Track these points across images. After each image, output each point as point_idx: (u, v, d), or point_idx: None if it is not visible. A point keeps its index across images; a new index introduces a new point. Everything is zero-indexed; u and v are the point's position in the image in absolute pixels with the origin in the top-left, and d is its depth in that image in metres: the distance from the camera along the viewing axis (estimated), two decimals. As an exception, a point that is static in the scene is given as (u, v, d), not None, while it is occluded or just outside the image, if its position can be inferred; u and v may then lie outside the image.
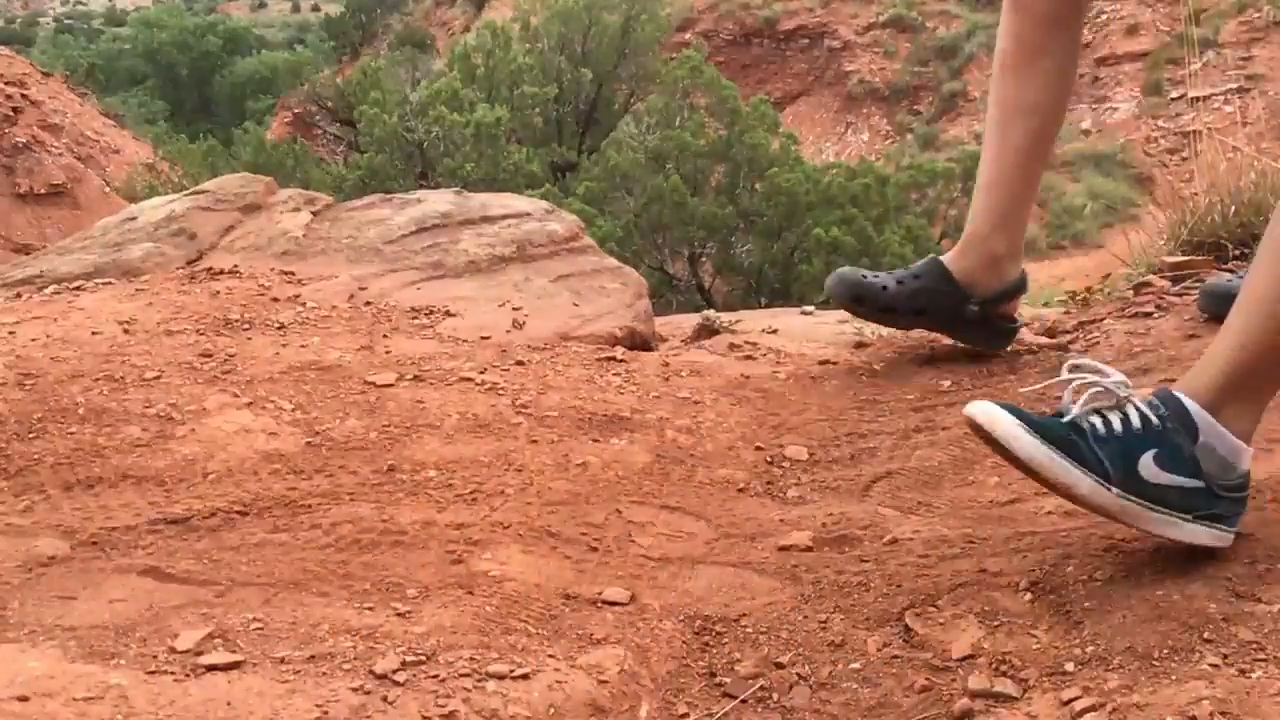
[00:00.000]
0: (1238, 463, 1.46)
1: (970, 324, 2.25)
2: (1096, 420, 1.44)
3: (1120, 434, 1.43)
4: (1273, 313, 1.43)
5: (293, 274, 2.69)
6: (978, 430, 1.42)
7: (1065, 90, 2.19)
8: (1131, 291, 2.65)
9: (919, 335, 2.45)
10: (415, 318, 2.43)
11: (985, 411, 1.42)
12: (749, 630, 1.46)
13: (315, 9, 64.61)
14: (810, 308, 3.20)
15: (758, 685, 1.37)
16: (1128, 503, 1.41)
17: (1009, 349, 2.32)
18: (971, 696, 1.28)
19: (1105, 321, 2.47)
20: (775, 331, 2.76)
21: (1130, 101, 24.99)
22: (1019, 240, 2.25)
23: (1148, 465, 1.42)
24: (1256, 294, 1.46)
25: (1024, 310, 2.82)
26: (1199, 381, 1.47)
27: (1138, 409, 1.45)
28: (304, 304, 2.48)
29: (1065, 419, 1.44)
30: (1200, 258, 2.76)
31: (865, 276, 2.26)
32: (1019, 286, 2.27)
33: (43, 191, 16.44)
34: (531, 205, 3.08)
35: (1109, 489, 1.40)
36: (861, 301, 2.25)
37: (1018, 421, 1.40)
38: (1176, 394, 1.46)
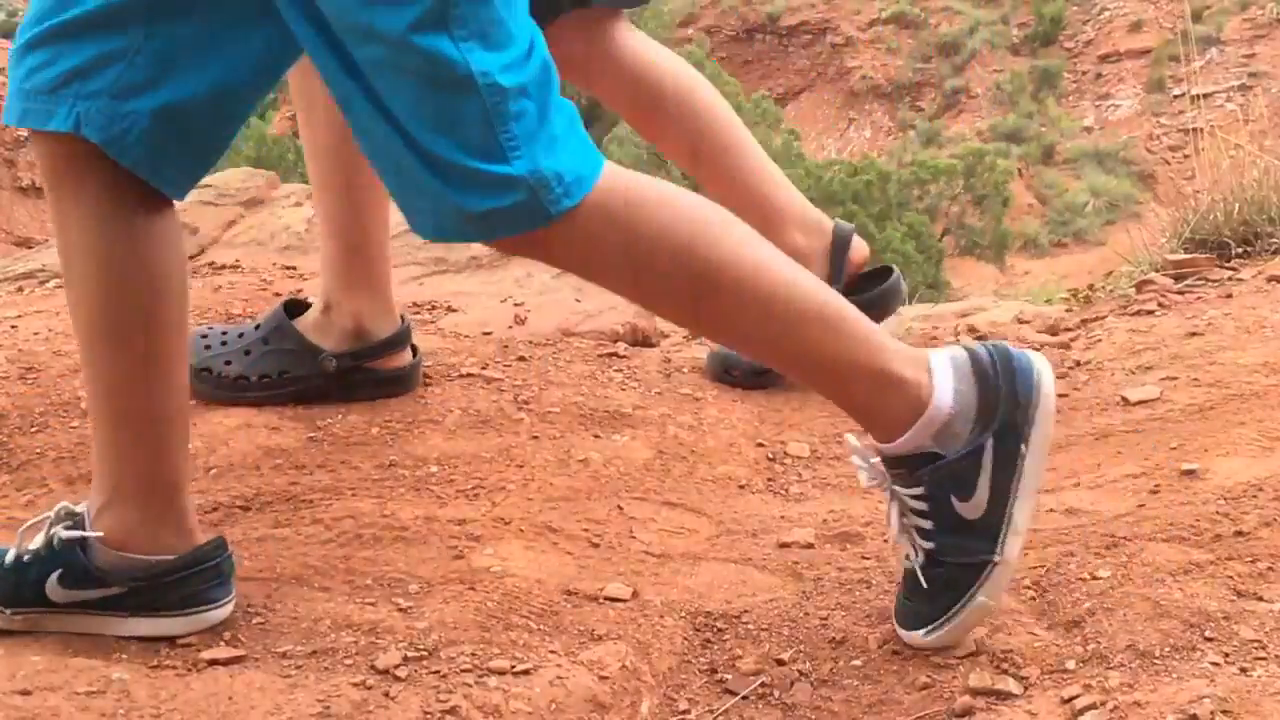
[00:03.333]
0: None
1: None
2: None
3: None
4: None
5: (295, 269, 2.69)
6: None
7: None
8: (1134, 289, 2.65)
9: (922, 333, 2.46)
10: (417, 313, 2.43)
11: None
12: (750, 627, 1.46)
13: (317, 3, 64.52)
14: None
15: (759, 682, 1.37)
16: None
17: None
18: (973, 694, 1.28)
19: (1107, 319, 2.47)
20: (777, 328, 2.75)
21: (1133, 98, 25.01)
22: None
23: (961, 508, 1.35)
24: None
25: (1025, 307, 2.82)
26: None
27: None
28: (306, 299, 2.48)
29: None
30: (1203, 256, 2.76)
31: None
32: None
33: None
34: (533, 201, 3.07)
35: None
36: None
37: None
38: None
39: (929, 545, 1.36)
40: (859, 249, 2.08)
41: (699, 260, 1.31)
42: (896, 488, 1.37)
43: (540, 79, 1.27)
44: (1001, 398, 1.34)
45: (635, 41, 1.98)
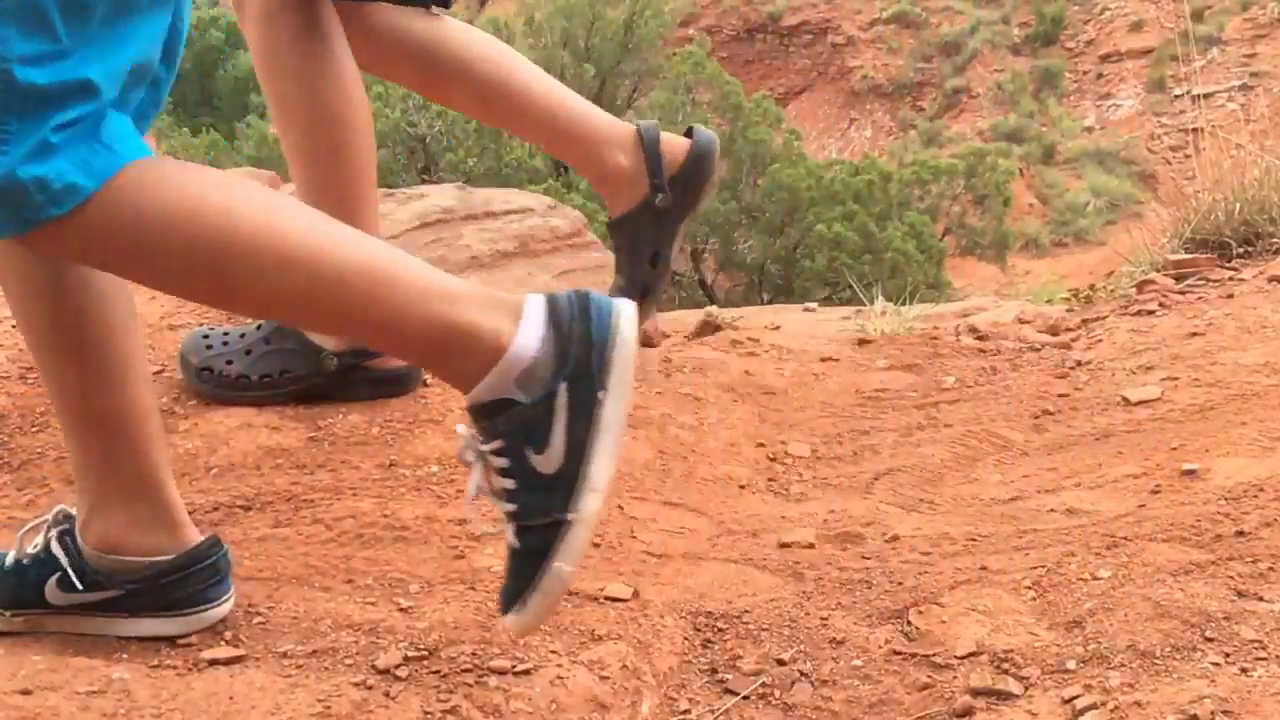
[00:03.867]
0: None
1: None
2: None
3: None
4: None
5: (295, 269, 2.69)
6: None
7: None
8: (1134, 289, 2.66)
9: (921, 332, 2.45)
10: (418, 313, 2.43)
11: None
12: (751, 627, 1.46)
13: (318, 3, 64.45)
14: (813, 305, 3.20)
15: (759, 682, 1.37)
16: None
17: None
18: (973, 694, 1.28)
19: (1108, 319, 2.47)
20: (778, 328, 2.76)
21: (1134, 98, 24.99)
22: None
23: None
24: None
25: (1026, 307, 2.82)
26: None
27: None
28: (307, 299, 2.48)
29: None
30: (1204, 256, 2.77)
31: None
32: None
33: (45, 185, 16.40)
34: (534, 200, 3.08)
35: None
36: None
37: None
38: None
39: (512, 507, 1.25)
40: (670, 143, 2.02)
41: (213, 242, 1.22)
42: (480, 446, 1.26)
43: (69, 88, 1.17)
44: (574, 339, 1.26)
45: (399, 18, 1.95)
